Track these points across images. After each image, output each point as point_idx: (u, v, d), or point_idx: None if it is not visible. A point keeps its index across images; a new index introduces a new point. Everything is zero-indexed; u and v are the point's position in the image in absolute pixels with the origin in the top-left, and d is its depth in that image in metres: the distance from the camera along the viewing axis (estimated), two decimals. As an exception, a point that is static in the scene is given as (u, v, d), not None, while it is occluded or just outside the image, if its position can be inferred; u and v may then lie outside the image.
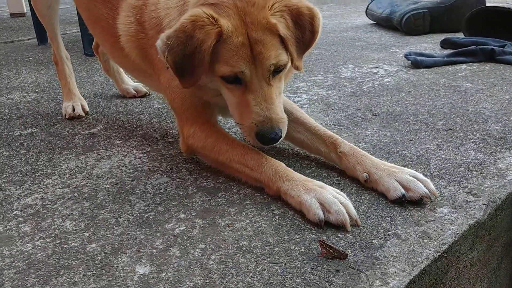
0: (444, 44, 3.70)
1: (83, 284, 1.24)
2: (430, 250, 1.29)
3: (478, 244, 1.48)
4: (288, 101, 2.02)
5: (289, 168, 1.62)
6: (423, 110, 2.37)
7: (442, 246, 1.31)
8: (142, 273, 1.27)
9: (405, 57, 3.28)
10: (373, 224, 1.43)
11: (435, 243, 1.32)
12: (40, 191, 1.77)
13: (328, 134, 1.81)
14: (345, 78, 3.00)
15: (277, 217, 1.50)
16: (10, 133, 2.39)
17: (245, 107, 1.60)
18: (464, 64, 3.19)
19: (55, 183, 1.82)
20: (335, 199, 1.43)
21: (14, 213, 1.63)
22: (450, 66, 3.18)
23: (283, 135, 1.61)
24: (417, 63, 3.16)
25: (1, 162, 2.04)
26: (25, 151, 2.15)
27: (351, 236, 1.37)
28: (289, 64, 1.63)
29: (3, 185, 1.83)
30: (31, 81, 3.40)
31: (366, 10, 4.87)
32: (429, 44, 3.87)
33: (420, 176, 1.57)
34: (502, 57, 3.17)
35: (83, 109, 2.59)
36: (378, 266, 1.24)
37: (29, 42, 5.21)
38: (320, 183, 1.54)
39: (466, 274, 1.47)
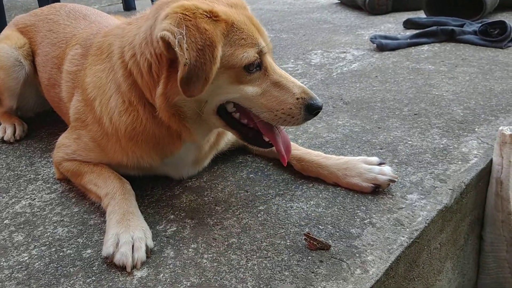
0: (407, 24, 3.83)
1: (85, 290, 1.32)
2: (403, 236, 1.42)
3: (446, 226, 1.63)
4: None
5: (131, 194, 1.63)
6: (390, 96, 2.49)
7: (414, 233, 1.44)
8: (140, 276, 1.35)
9: (370, 40, 3.39)
10: (350, 214, 1.55)
11: (407, 229, 1.45)
12: (27, 198, 1.81)
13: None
14: (315, 65, 3.10)
15: (262, 212, 1.60)
16: (-13, 138, 2.39)
17: (277, 90, 1.50)
18: (426, 45, 3.33)
19: (41, 189, 1.87)
20: (131, 240, 1.42)
21: (4, 222, 1.67)
22: (413, 47, 3.31)
23: None
24: (382, 46, 3.28)
25: (-16, 169, 2.06)
26: (4, 156, 2.17)
27: (331, 227, 1.49)
28: None
29: (-11, 194, 1.86)
30: None
31: (330, -9, 4.94)
32: (393, 24, 3.99)
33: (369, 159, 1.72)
34: (461, 37, 3.32)
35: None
36: (357, 255, 1.36)
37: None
38: (140, 221, 1.51)
39: (436, 255, 1.61)
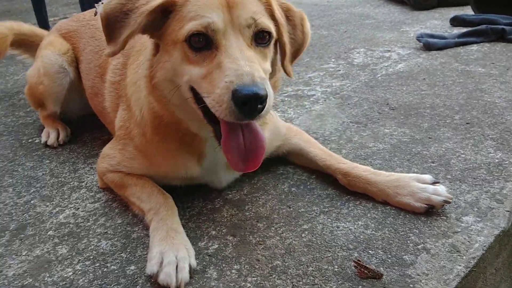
0: (454, 21, 3.66)
1: (128, 312, 1.30)
2: (460, 265, 1.34)
3: (503, 251, 1.53)
4: (299, 132, 1.94)
5: (174, 210, 1.59)
6: (439, 102, 2.37)
7: (471, 261, 1.35)
8: (183, 299, 1.32)
9: (417, 39, 3.25)
10: (402, 238, 1.47)
11: (464, 257, 1.36)
12: (71, 207, 1.80)
13: (328, 163, 1.76)
14: (357, 65, 2.99)
15: (306, 232, 1.53)
16: (29, 140, 2.41)
17: (216, 72, 1.29)
18: (475, 45, 3.17)
19: (85, 198, 1.86)
20: (175, 260, 1.37)
21: (48, 233, 1.67)
22: (461, 47, 3.16)
23: (269, 104, 1.28)
24: (429, 45, 3.14)
25: (26, 174, 2.06)
26: (48, 161, 2.17)
27: (382, 252, 1.41)
28: (274, 65, 1.48)
29: (32, 202, 1.86)
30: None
31: (372, -17, 4.79)
32: (439, 21, 3.83)
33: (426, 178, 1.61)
34: (513, 36, 3.15)
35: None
36: (411, 286, 1.28)
37: (31, 29, 5.14)
38: (183, 240, 1.47)
39: (492, 280, 1.52)
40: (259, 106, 1.23)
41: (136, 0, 1.38)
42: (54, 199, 1.87)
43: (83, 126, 2.47)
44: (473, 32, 3.25)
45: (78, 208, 1.80)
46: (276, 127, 1.81)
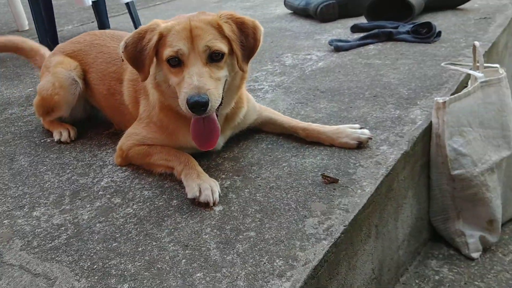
0: (353, 29, 4.68)
1: (185, 222, 2.00)
2: (382, 170, 2.20)
3: (406, 165, 2.43)
4: (267, 108, 2.75)
5: (196, 163, 2.25)
6: (353, 85, 3.30)
7: (388, 167, 2.22)
8: (219, 210, 2.05)
9: (329, 44, 4.20)
10: (345, 162, 2.31)
11: (384, 166, 2.24)
12: (107, 177, 2.43)
13: (291, 124, 2.57)
14: (289, 66, 3.86)
15: (286, 167, 2.33)
16: (42, 140, 2.94)
17: (182, 83, 1.94)
18: (372, 45, 4.18)
19: (114, 170, 2.49)
20: (209, 186, 2.06)
21: (100, 193, 2.29)
22: (362, 48, 4.15)
23: (212, 105, 1.92)
24: (338, 47, 4.10)
25: (56, 162, 2.63)
26: (68, 153, 2.75)
27: (335, 170, 2.25)
28: (235, 66, 2.08)
29: (73, 178, 2.45)
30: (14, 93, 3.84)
31: (284, 2, 5.75)
32: (341, 29, 4.83)
33: (356, 126, 2.48)
34: (398, 36, 4.20)
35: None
36: (356, 183, 2.12)
37: None
38: (209, 178, 2.15)
39: (402, 184, 2.41)
40: (202, 108, 1.91)
41: (141, 40, 2.06)
42: (90, 174, 2.48)
43: (83, 126, 3.05)
44: (369, 36, 4.26)
45: (113, 177, 2.43)
46: (253, 105, 2.59)
